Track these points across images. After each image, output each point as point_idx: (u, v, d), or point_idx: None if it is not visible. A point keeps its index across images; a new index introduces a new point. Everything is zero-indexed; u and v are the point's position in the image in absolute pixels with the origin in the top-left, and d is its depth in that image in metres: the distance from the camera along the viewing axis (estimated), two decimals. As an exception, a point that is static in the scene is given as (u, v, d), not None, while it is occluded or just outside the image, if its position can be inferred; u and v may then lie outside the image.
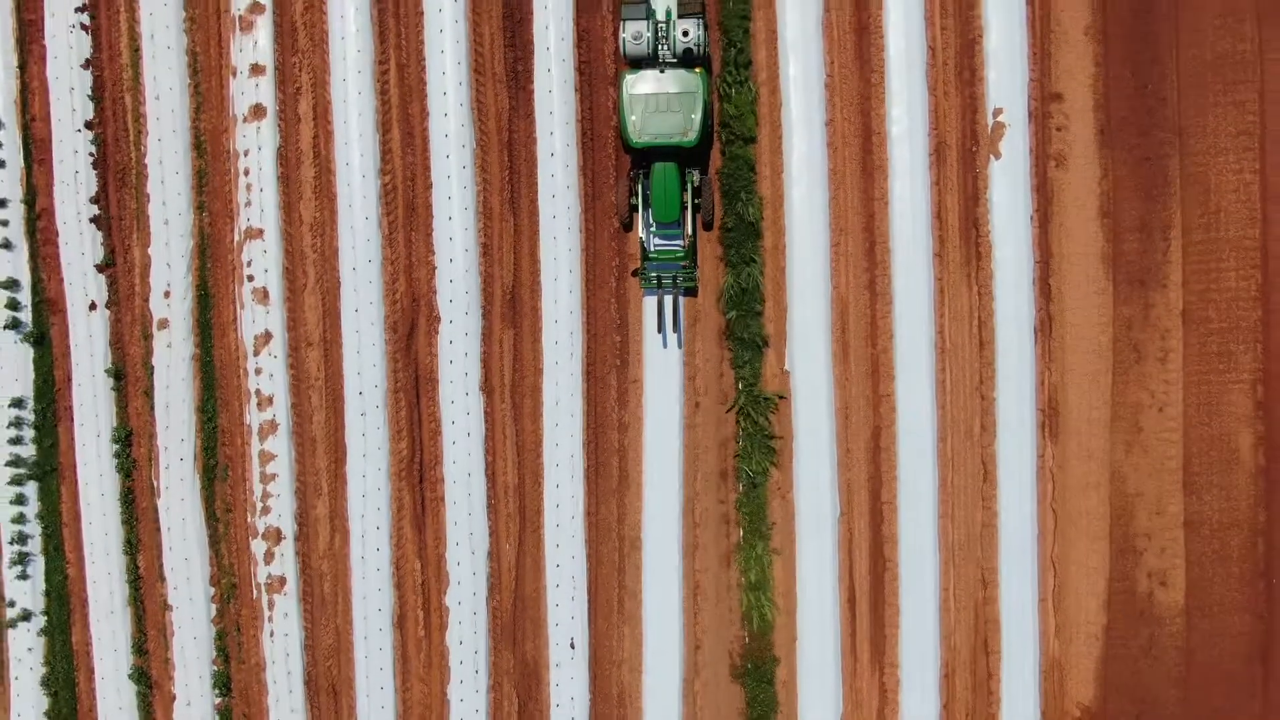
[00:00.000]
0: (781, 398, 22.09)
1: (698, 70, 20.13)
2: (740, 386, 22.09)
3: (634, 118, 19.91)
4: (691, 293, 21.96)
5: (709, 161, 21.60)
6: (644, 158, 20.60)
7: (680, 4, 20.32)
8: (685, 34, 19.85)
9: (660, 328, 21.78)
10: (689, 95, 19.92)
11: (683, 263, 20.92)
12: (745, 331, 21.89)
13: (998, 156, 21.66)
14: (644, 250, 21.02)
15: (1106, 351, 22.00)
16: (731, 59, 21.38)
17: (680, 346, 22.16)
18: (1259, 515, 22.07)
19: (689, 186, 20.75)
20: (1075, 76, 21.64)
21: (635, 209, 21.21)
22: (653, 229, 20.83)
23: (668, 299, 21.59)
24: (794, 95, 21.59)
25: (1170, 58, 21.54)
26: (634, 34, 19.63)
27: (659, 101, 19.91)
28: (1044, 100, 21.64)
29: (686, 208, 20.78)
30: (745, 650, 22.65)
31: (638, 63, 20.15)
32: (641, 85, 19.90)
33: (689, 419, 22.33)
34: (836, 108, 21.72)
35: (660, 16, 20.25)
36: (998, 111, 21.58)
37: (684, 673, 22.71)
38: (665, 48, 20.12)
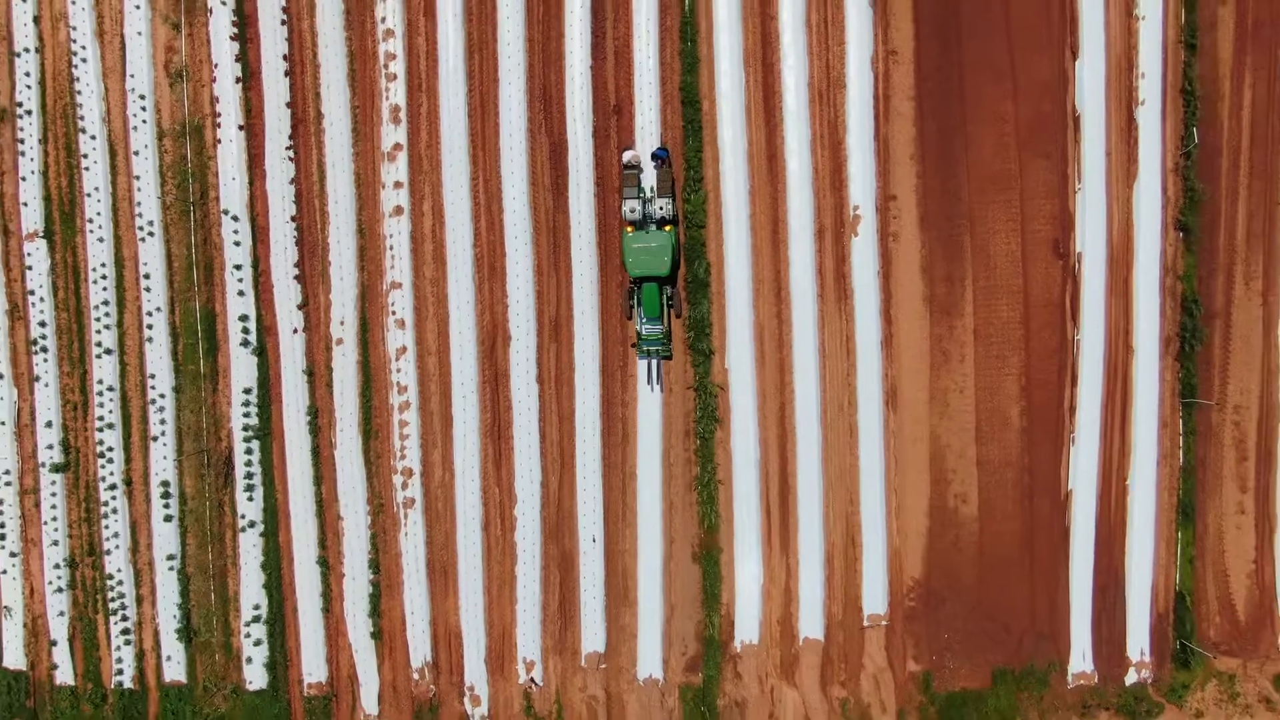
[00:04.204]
0: (721, 389, 34.32)
1: (668, 229, 32.28)
2: (697, 379, 34.24)
3: (631, 259, 32.08)
4: (668, 359, 33.83)
5: (677, 282, 33.42)
6: (638, 280, 32.68)
7: (658, 188, 32.47)
8: (660, 208, 32.16)
9: (649, 381, 34.09)
10: (663, 246, 31.91)
11: (662, 341, 32.97)
12: (699, 345, 34.07)
13: (856, 235, 33.59)
14: (638, 333, 33.07)
15: (926, 356, 33.84)
16: (690, 176, 33.77)
17: (662, 392, 33.90)
18: (1025, 458, 33.88)
19: (664, 296, 32.91)
20: (904, 184, 33.55)
21: (632, 308, 33.31)
22: (643, 321, 32.83)
23: (654, 363, 33.86)
24: (730, 197, 33.72)
25: (964, 173, 33.32)
26: (630, 208, 32.09)
27: (645, 251, 31.90)
28: (885, 199, 33.56)
29: (664, 308, 32.95)
30: (701, 543, 34.79)
31: (633, 224, 32.39)
32: (635, 242, 32.03)
33: (665, 398, 34.51)
34: (756, 205, 33.81)
35: (647, 195, 32.52)
36: (856, 207, 33.50)
37: (663, 558, 34.77)
38: (650, 213, 32.26)
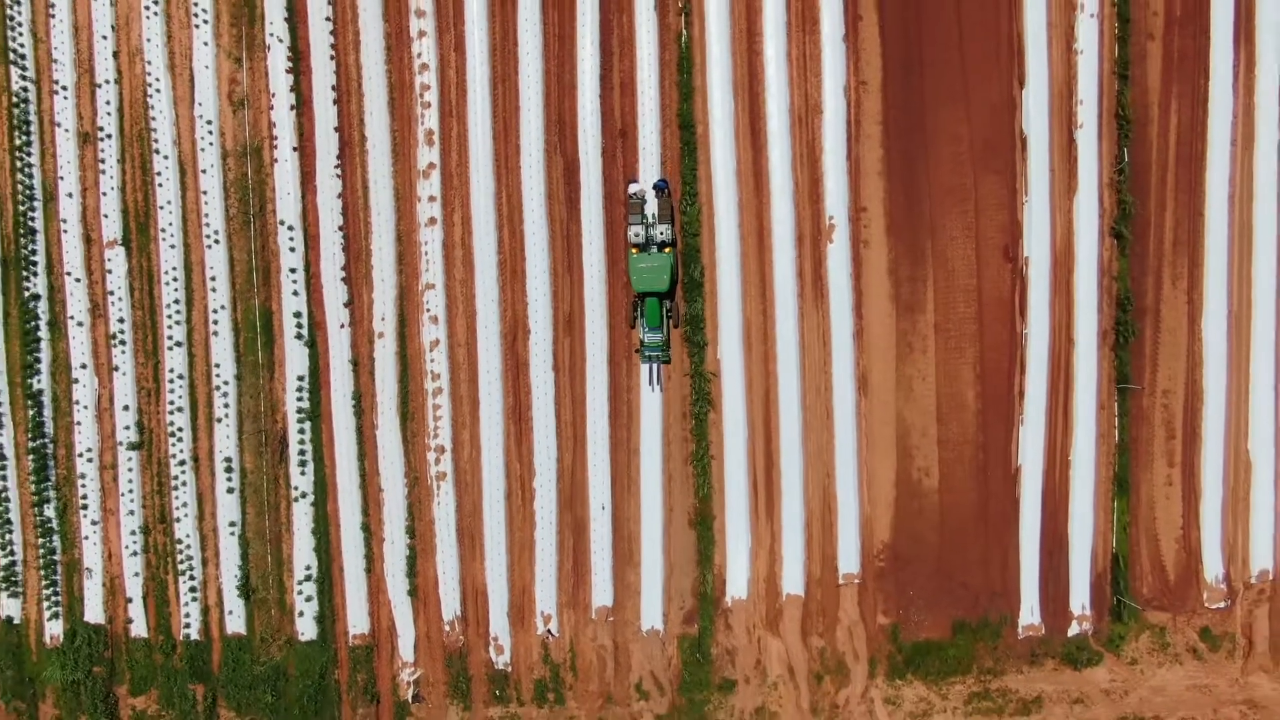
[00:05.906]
0: (714, 376, 38.85)
1: (667, 251, 36.80)
2: (693, 366, 38.80)
3: (635, 277, 36.69)
4: (668, 363, 38.27)
5: (675, 296, 37.85)
6: (641, 295, 37.21)
7: (659, 215, 36.99)
8: (661, 233, 36.73)
9: (650, 382, 38.61)
10: (663, 266, 36.52)
11: (662, 348, 37.47)
12: (695, 337, 38.65)
13: (832, 242, 38.11)
14: (641, 340, 37.68)
15: (893, 347, 38.26)
16: (686, 191, 38.48)
17: (662, 391, 38.37)
18: (979, 437, 38.24)
19: (664, 308, 37.42)
20: (873, 196, 38.06)
21: (636, 319, 37.82)
22: (646, 330, 37.43)
23: (654, 367, 38.38)
24: (721, 210, 38.27)
25: (925, 186, 37.83)
26: (634, 233, 36.74)
27: (648, 270, 36.54)
28: (856, 210, 38.12)
29: (664, 319, 37.44)
30: (697, 511, 39.30)
31: (637, 247, 36.93)
32: (640, 263, 36.62)
33: (665, 384, 39.18)
34: (744, 217, 38.34)
35: (649, 220, 37.05)
36: (831, 217, 38.01)
37: (663, 523, 39.24)
38: (652, 237, 36.72)
